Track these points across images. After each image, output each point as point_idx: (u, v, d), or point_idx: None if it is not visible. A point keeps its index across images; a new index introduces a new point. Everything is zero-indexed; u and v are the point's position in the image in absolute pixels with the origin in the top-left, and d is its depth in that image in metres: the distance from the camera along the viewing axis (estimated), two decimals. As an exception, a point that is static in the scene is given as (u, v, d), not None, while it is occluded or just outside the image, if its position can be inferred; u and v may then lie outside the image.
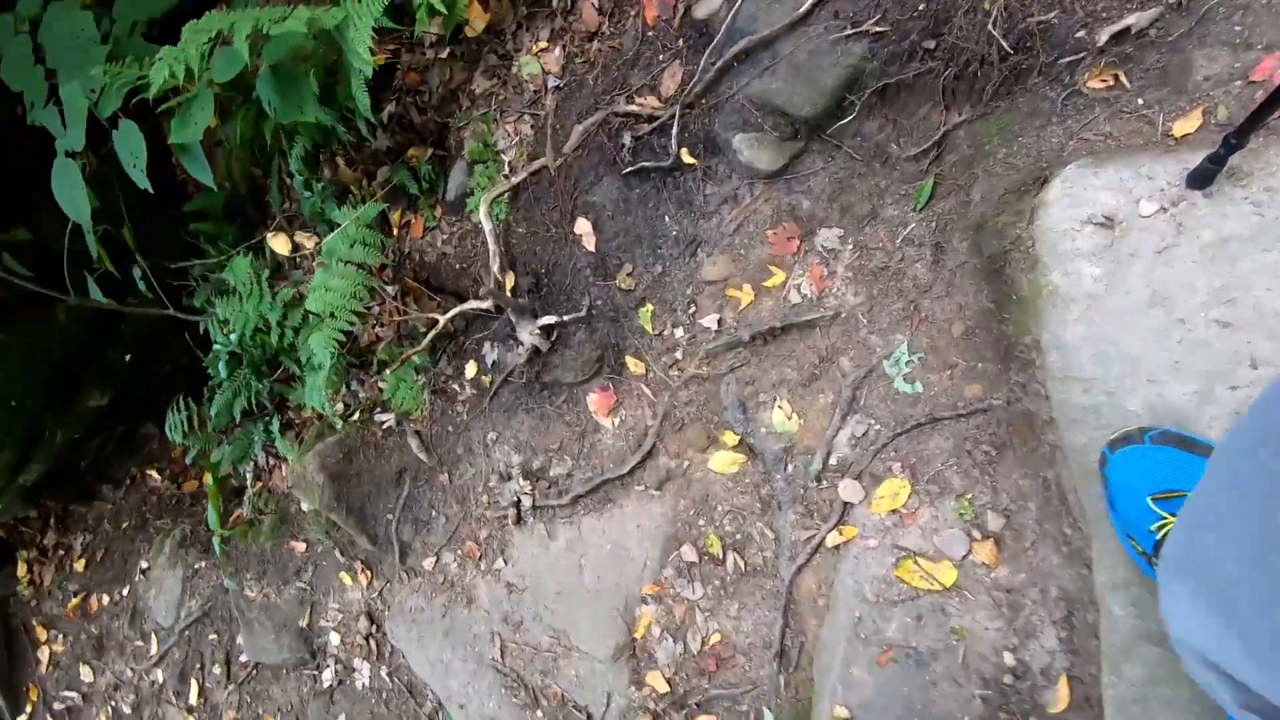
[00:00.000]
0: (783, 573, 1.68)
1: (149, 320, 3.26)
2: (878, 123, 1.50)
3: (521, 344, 1.92)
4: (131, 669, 3.13)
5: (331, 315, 1.86)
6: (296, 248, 1.92)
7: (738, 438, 1.74)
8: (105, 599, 3.26)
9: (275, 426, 2.58)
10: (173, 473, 3.49)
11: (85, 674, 3.21)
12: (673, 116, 1.66)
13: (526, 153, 1.98)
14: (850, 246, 1.58)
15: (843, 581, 1.53)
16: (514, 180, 1.92)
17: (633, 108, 1.72)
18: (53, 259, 2.64)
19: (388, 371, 2.34)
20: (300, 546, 2.67)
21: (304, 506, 2.64)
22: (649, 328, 1.83)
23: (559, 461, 2.06)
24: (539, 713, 2.02)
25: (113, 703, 3.13)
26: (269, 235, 1.95)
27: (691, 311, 1.77)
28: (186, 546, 3.11)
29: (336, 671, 2.55)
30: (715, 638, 1.78)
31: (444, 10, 1.63)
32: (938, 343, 1.48)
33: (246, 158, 2.56)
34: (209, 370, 2.67)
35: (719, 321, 1.72)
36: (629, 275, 1.82)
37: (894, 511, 1.49)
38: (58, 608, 3.32)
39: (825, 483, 1.59)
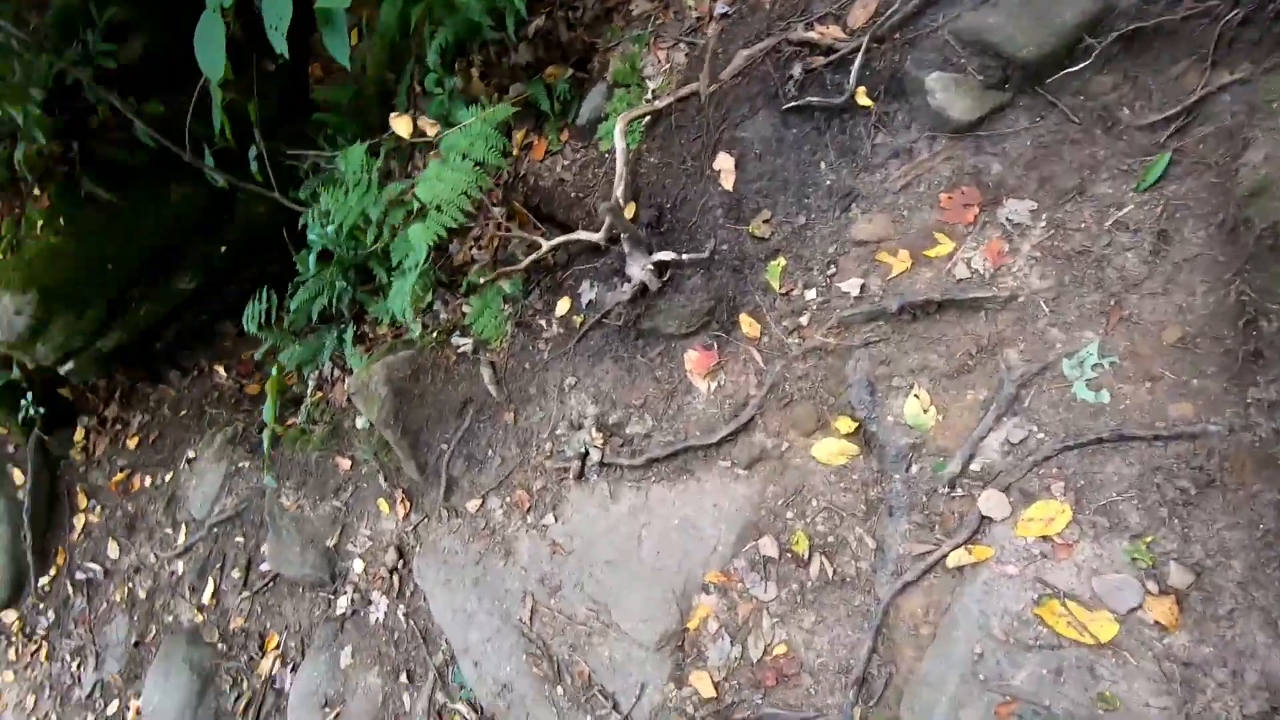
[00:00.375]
0: (880, 589, 1.43)
1: (251, 216, 3.28)
2: (1112, 79, 1.26)
3: (629, 280, 1.74)
4: (155, 555, 3.08)
5: (438, 208, 1.73)
6: (419, 132, 1.81)
7: (855, 424, 1.51)
8: (148, 480, 3.24)
9: (349, 335, 2.49)
10: (239, 373, 3.47)
11: (112, 550, 3.18)
12: (857, 49, 1.47)
13: (675, 80, 1.82)
14: (1043, 223, 1.34)
15: (964, 609, 1.26)
16: (657, 105, 1.76)
17: (811, 35, 1.53)
18: (179, 139, 2.66)
19: (474, 297, 2.21)
20: (345, 464, 2.55)
21: (358, 423, 2.53)
22: (775, 284, 1.62)
23: (638, 419, 1.86)
24: (559, 689, 1.80)
25: (130, 585, 3.08)
26: (392, 116, 1.85)
27: (830, 273, 1.55)
28: (235, 444, 3.06)
29: (353, 600, 2.40)
30: (780, 648, 1.53)
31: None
32: (1140, 348, 1.21)
33: (383, 59, 2.50)
34: (298, 267, 2.61)
35: (862, 287, 1.50)
36: (765, 222, 1.62)
37: (1045, 538, 1.23)
38: (103, 479, 3.32)
39: (960, 491, 1.34)
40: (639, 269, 1.70)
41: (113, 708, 2.91)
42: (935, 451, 1.40)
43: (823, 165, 1.57)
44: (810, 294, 1.57)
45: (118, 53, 2.57)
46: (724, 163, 1.67)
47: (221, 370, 3.46)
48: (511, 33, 1.90)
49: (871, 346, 1.48)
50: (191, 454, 3.16)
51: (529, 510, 2.03)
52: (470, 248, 2.26)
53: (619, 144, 1.72)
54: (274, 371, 2.46)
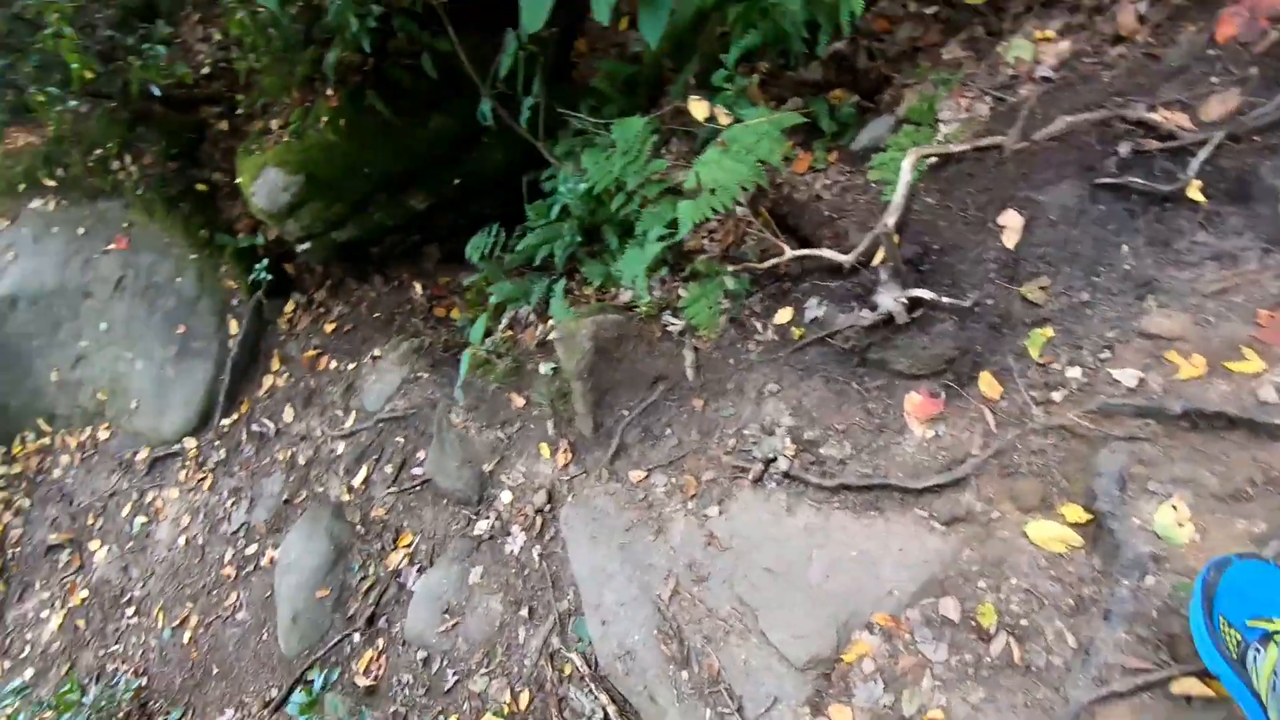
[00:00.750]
0: (1073, 691, 1.35)
1: (487, 159, 3.56)
2: None
3: (874, 307, 1.75)
4: (322, 431, 3.39)
5: (712, 191, 1.82)
6: (712, 118, 1.92)
7: (1087, 516, 1.44)
8: (334, 364, 3.58)
9: (559, 287, 2.65)
10: (432, 293, 3.77)
11: (287, 414, 3.54)
12: (1203, 142, 1.41)
13: (973, 129, 1.82)
14: (1384, 370, 1.23)
15: (1185, 742, 1.18)
16: (952, 148, 1.77)
17: (1153, 116, 1.49)
18: (455, 76, 2.95)
19: (694, 283, 2.29)
20: (519, 401, 2.71)
21: (541, 369, 2.68)
22: (1034, 352, 1.58)
23: (837, 443, 1.86)
24: (684, 674, 1.83)
25: (294, 450, 3.41)
26: (692, 99, 1.97)
27: (1104, 357, 1.49)
28: (418, 354, 3.32)
29: (493, 526, 2.54)
30: (938, 713, 1.48)
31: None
32: None
33: (664, 48, 2.66)
34: (529, 214, 2.81)
35: (1139, 380, 1.43)
36: (1042, 289, 1.59)
37: (1307, 700, 1.12)
38: (297, 351, 3.70)
39: (1206, 619, 1.25)
40: (890, 299, 1.71)
41: (251, 549, 3.23)
42: (1181, 570, 1.31)
43: (1125, 248, 1.51)
44: (1073, 372, 1.52)
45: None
46: (1011, 220, 1.65)
47: (418, 287, 3.77)
48: (820, 48, 1.97)
49: (1134, 443, 1.41)
50: (377, 352, 3.46)
51: (693, 496, 2.07)
52: (704, 237, 2.35)
53: (905, 176, 1.74)
54: (491, 300, 2.66)
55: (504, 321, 2.98)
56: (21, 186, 4.17)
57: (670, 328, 2.30)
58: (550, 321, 2.65)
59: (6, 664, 3.65)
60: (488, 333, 3.06)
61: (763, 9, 2.06)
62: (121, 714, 2.92)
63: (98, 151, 3.87)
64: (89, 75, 3.13)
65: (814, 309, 2.01)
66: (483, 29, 3.27)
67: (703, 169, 1.86)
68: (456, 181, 3.58)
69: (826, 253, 1.93)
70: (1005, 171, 1.68)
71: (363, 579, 2.80)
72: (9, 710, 3.02)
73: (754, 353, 2.11)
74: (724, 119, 1.91)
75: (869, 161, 2.00)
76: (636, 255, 2.18)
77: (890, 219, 1.72)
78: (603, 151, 2.38)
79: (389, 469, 3.06)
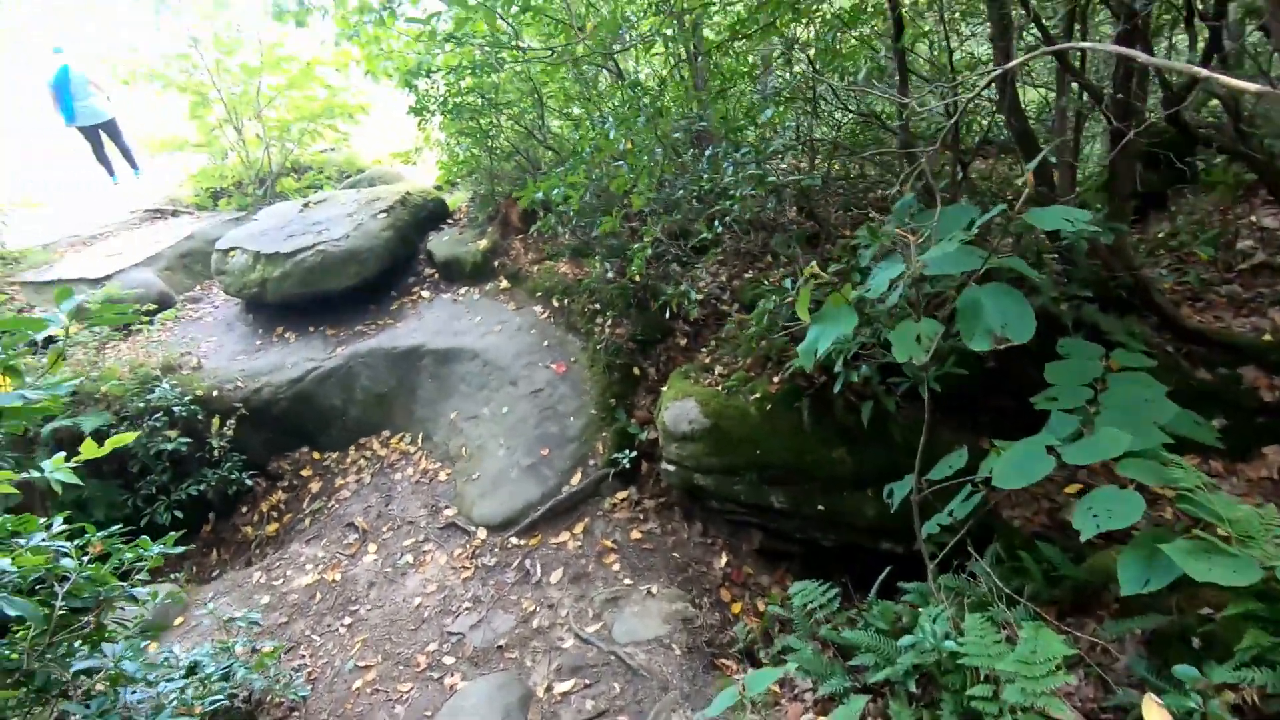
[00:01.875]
0: None
1: (876, 510, 3.53)
2: None
3: None
4: (566, 615, 3.52)
5: None
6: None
7: None
8: (616, 566, 3.76)
9: None
10: (731, 574, 3.78)
11: (556, 574, 3.78)
12: None
13: None
14: None
15: None
16: None
17: None
18: (883, 434, 3.01)
19: None
20: None
21: None
22: None
23: None
24: None
25: (538, 608, 3.59)
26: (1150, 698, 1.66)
27: None
28: (684, 628, 3.29)
29: None
30: None
31: None
32: None
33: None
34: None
35: None
36: None
37: None
38: (600, 533, 4.02)
39: None
40: None
41: (448, 660, 3.39)
42: None
43: None
44: None
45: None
46: None
47: (724, 558, 3.81)
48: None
49: None
50: (654, 590, 3.53)
51: None
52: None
53: None
54: (790, 665, 2.51)
55: (781, 682, 2.79)
56: (538, 293, 5.55)
57: None
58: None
59: (259, 575, 4.39)
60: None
61: None
62: (270, 705, 3.20)
63: (595, 306, 4.97)
64: (636, 277, 4.09)
65: None
66: (951, 421, 3.40)
67: None
68: (820, 508, 3.63)
69: None
70: None
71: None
72: (230, 623, 3.50)
73: None
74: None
75: None
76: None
77: None
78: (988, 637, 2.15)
79: (591, 704, 2.99)
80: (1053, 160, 3.41)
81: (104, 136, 8.47)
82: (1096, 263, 3.41)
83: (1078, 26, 3.31)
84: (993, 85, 3.34)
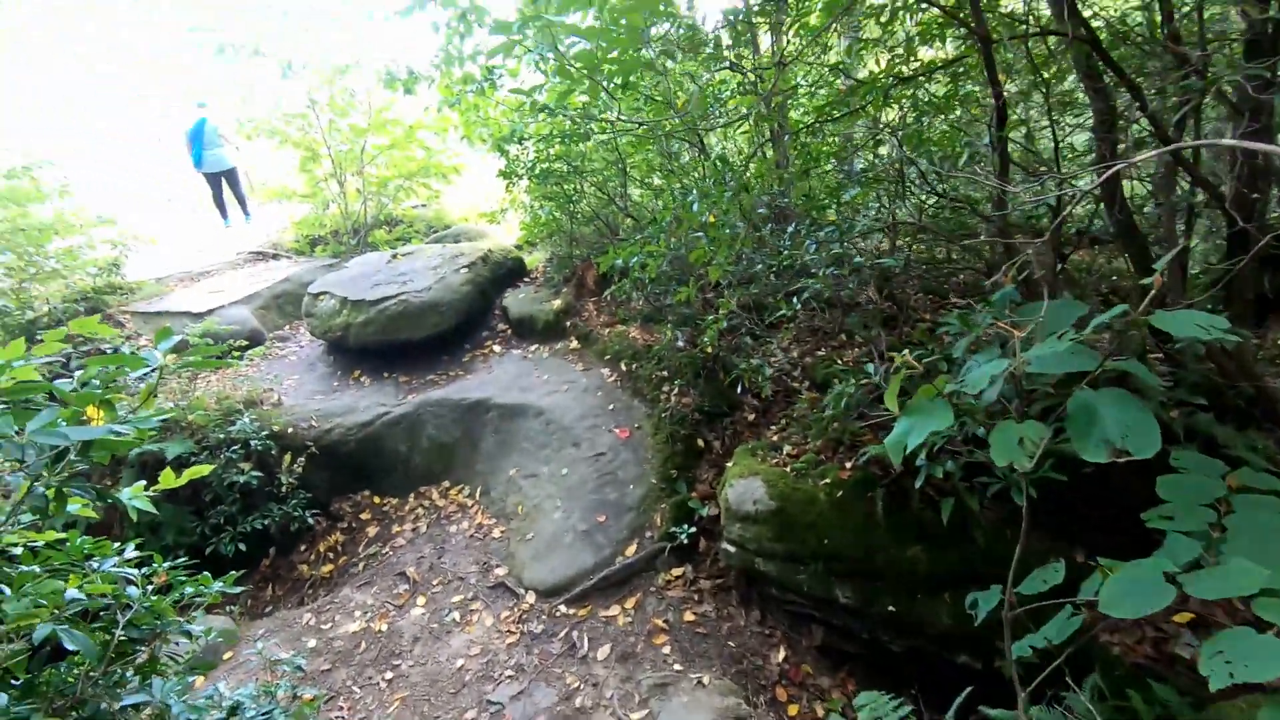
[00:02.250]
0: None
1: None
2: None
3: None
4: (610, 698, 3.34)
5: None
6: None
7: None
8: (667, 649, 3.56)
9: None
10: (789, 672, 3.52)
11: (602, 652, 3.62)
12: None
13: None
14: None
15: None
16: None
17: None
18: (961, 536, 2.77)
19: None
20: None
21: None
22: None
23: None
24: None
25: (582, 686, 3.43)
26: None
27: None
28: (736, 724, 3.06)
29: None
30: None
31: None
32: None
33: None
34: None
35: None
36: None
37: None
38: (653, 610, 3.85)
39: None
40: None
41: (484, 733, 3.25)
42: None
43: None
44: None
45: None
46: None
47: (781, 652, 3.56)
48: None
49: None
50: (705, 679, 3.32)
51: None
52: None
53: None
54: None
55: None
56: (607, 356, 5.57)
57: None
58: None
59: (308, 617, 4.39)
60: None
61: None
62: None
63: (663, 373, 4.93)
64: (709, 348, 4.04)
65: None
66: (1041, 529, 3.13)
67: None
68: (890, 609, 3.37)
69: None
70: None
71: None
72: (276, 664, 3.49)
73: None
74: None
75: None
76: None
77: None
78: None
79: (628, 803, 2.77)
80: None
81: (224, 183, 9.27)
82: (1209, 367, 3.15)
83: (1190, 122, 3.17)
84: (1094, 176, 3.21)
